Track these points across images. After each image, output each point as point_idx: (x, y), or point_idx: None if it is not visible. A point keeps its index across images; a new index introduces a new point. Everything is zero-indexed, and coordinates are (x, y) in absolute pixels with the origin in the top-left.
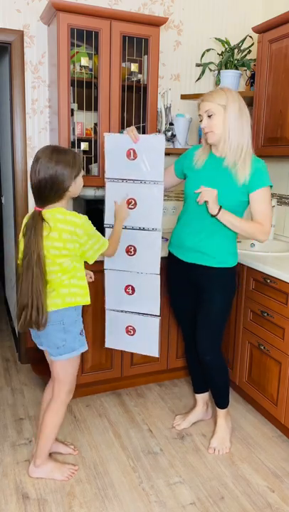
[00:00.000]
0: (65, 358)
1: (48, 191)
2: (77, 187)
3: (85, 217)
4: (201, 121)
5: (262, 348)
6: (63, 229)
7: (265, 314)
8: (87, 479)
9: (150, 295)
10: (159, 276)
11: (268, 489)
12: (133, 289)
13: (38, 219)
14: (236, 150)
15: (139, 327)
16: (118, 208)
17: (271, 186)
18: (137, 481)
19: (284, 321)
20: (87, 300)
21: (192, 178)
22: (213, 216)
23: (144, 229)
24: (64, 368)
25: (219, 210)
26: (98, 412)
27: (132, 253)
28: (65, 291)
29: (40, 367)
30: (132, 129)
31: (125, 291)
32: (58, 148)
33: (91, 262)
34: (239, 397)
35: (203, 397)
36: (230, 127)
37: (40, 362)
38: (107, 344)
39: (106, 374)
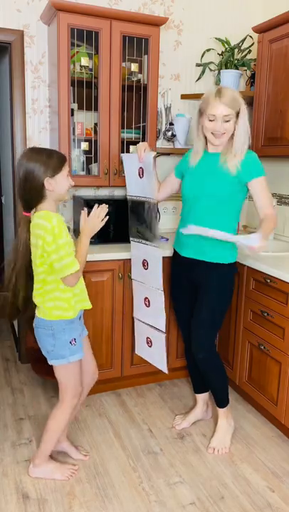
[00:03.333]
0: (56, 363)
1: (23, 190)
2: (59, 186)
3: (58, 221)
4: (213, 116)
5: (262, 347)
6: (37, 234)
7: (265, 314)
8: (87, 479)
9: (157, 309)
10: (162, 292)
11: (268, 489)
12: (149, 302)
13: (24, 224)
14: (241, 150)
15: (154, 340)
16: (88, 219)
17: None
18: (137, 481)
19: (284, 320)
20: (74, 314)
21: (188, 177)
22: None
23: (150, 245)
24: (61, 373)
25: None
26: (98, 412)
27: (146, 267)
28: (51, 305)
29: (40, 367)
30: (141, 145)
31: (144, 302)
32: (34, 148)
33: (59, 277)
34: (239, 397)
35: (203, 397)
36: (241, 132)
37: (40, 362)
38: (136, 351)
39: (106, 374)
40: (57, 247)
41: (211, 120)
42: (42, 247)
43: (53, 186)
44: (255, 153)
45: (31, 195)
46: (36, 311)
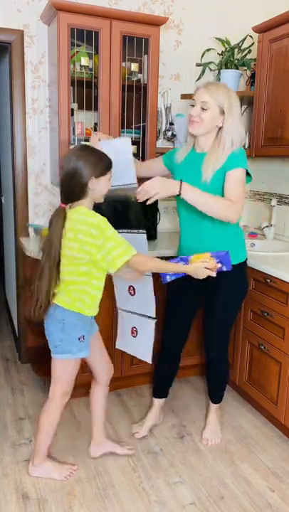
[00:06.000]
0: (60, 357)
1: (67, 184)
2: (101, 187)
3: (103, 218)
4: (194, 101)
5: (262, 348)
6: (79, 229)
7: (266, 314)
8: (87, 479)
9: (146, 296)
10: (150, 277)
11: (268, 489)
12: (134, 290)
13: (60, 215)
14: (228, 149)
15: (140, 329)
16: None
17: (248, 173)
18: (137, 481)
19: (284, 320)
20: (91, 312)
21: (175, 176)
22: (178, 196)
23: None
24: (60, 367)
25: (180, 189)
26: None
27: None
28: (77, 296)
29: (40, 367)
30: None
31: (128, 291)
32: (86, 147)
33: (113, 271)
34: (239, 396)
35: (160, 402)
36: (228, 131)
37: (40, 362)
38: (117, 344)
39: None
40: (106, 239)
41: (192, 106)
42: (85, 241)
43: (95, 186)
44: (244, 151)
45: (74, 191)
46: (54, 299)
